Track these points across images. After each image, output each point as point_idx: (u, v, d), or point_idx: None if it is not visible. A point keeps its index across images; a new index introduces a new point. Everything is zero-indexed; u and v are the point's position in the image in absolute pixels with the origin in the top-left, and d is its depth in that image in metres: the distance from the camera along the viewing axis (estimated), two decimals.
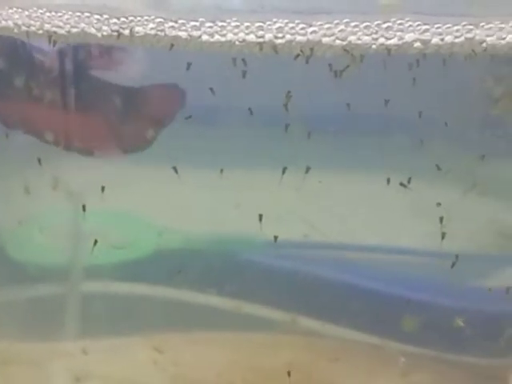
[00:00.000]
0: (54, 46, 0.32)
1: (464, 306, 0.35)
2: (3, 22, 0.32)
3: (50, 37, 0.32)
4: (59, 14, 0.31)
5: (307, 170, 0.32)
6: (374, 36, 0.30)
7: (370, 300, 0.35)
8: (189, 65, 0.31)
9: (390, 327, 0.35)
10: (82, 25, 0.31)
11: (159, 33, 0.31)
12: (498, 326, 0.36)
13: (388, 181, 0.32)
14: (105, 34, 0.31)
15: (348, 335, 0.35)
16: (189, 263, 0.34)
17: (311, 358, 0.35)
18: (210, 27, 0.30)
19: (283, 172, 0.32)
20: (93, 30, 0.31)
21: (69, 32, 0.31)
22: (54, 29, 0.32)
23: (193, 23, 0.30)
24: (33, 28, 0.32)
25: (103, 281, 0.35)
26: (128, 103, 0.33)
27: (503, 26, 0.31)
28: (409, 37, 0.30)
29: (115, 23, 0.31)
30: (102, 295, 0.35)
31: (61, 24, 0.31)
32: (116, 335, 0.36)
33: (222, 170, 0.32)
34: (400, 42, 0.30)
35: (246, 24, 0.30)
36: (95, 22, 0.31)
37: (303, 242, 0.33)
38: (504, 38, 0.31)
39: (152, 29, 0.31)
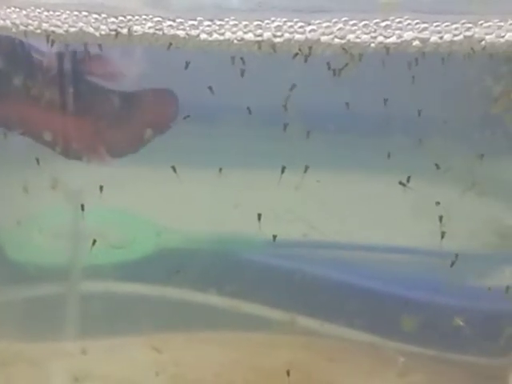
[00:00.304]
0: (52, 45, 0.32)
1: (463, 306, 0.35)
2: (1, 22, 0.32)
3: (48, 36, 0.32)
4: (57, 13, 0.31)
5: (306, 169, 0.32)
6: (373, 34, 0.30)
7: (369, 299, 0.34)
8: (187, 64, 0.31)
9: (389, 327, 0.35)
10: (80, 24, 0.31)
11: (157, 32, 0.31)
12: (498, 325, 0.36)
13: (387, 180, 0.32)
14: (103, 33, 0.31)
15: (347, 335, 0.35)
16: (188, 263, 0.34)
17: (310, 357, 0.35)
18: (209, 26, 0.30)
19: (282, 171, 0.32)
20: (91, 30, 0.31)
21: (67, 31, 0.31)
22: (52, 28, 0.32)
23: (191, 22, 0.30)
24: (31, 27, 0.32)
25: (103, 281, 0.35)
26: (125, 106, 0.33)
27: (502, 24, 0.30)
28: (407, 35, 0.30)
29: (113, 22, 0.31)
30: (101, 295, 0.35)
31: (59, 23, 0.31)
32: (115, 335, 0.36)
33: (220, 170, 0.32)
34: (399, 41, 0.30)
35: (245, 23, 0.30)
36: (93, 21, 0.31)
37: (302, 242, 0.33)
38: (503, 36, 0.31)
39: (150, 28, 0.31)
